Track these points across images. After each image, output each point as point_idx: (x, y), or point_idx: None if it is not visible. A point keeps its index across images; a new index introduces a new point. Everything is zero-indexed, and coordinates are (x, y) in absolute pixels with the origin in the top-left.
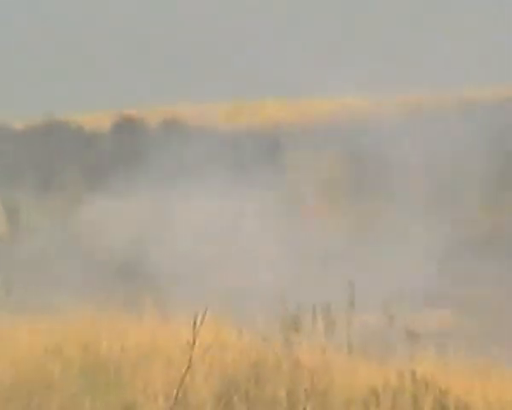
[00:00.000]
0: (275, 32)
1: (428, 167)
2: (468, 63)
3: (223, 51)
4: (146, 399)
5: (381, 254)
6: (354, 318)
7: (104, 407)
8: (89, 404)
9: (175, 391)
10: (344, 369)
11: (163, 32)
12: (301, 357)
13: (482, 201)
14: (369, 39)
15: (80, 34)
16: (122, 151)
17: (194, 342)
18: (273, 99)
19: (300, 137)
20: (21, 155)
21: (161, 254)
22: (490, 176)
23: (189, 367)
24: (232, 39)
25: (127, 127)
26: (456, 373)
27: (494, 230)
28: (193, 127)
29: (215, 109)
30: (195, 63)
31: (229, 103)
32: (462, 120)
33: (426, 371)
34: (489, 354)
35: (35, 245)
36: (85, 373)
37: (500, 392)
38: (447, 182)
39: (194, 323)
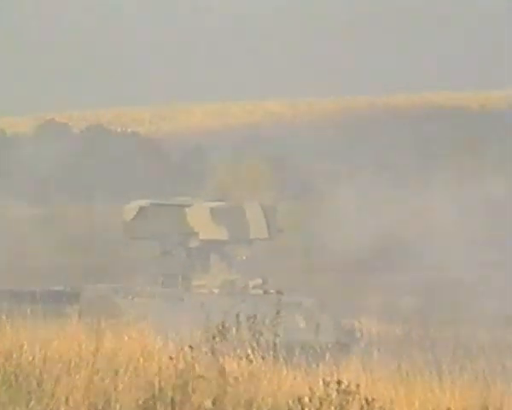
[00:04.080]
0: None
1: None
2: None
3: (147, 58)
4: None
5: None
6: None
7: None
8: None
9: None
10: (269, 378)
11: (85, 37)
12: (227, 366)
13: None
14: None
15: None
16: None
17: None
18: (198, 105)
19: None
20: None
21: None
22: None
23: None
24: (158, 46)
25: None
26: (381, 382)
27: None
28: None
29: (140, 114)
30: (120, 69)
31: (155, 109)
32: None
33: (351, 379)
34: (413, 362)
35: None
36: (6, 383)
37: (424, 400)
38: None
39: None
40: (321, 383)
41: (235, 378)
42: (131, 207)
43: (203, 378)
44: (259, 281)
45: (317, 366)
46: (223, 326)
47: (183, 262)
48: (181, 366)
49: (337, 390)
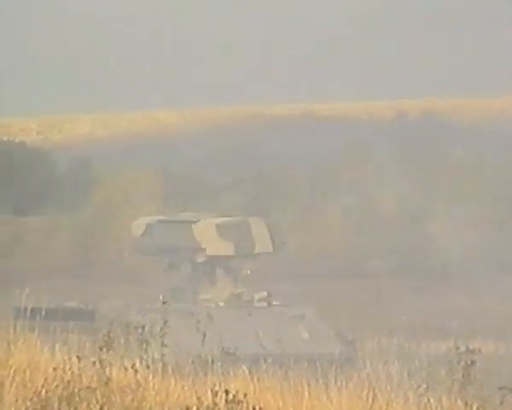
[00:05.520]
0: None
1: None
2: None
3: (35, 68)
4: None
5: None
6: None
7: None
8: None
9: None
10: (157, 388)
11: None
12: (114, 376)
13: None
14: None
15: None
16: None
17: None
18: (86, 115)
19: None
20: None
21: None
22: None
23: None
24: (45, 57)
25: None
26: (269, 390)
27: None
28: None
29: (28, 124)
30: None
31: (43, 118)
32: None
33: (239, 389)
34: (301, 371)
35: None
36: None
37: (311, 409)
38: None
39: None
40: (209, 392)
41: (122, 389)
42: (139, 224)
43: (89, 389)
44: (264, 294)
45: (205, 375)
46: (109, 336)
47: (190, 277)
48: (68, 376)
49: (225, 400)
